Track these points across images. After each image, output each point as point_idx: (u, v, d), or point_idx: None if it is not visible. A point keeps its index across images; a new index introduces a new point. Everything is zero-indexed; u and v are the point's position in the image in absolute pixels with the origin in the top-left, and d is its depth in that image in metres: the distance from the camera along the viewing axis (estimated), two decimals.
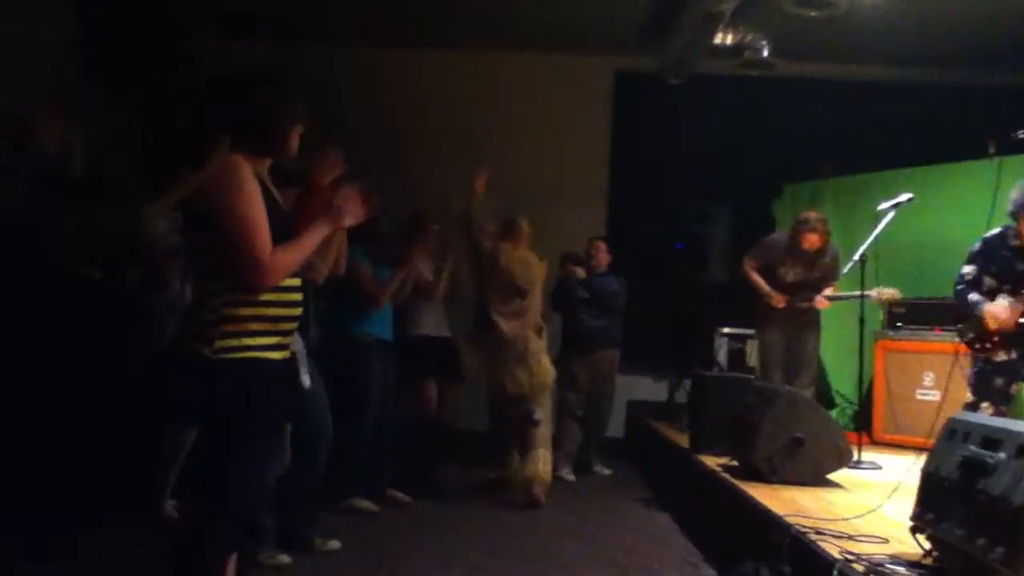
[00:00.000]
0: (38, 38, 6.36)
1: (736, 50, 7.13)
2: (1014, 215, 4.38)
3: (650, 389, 7.96)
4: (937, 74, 7.86)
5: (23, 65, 6.00)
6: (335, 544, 4.23)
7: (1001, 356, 4.44)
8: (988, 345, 4.46)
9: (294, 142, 2.61)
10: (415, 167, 7.61)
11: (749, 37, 6.97)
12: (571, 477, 6.46)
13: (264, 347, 2.46)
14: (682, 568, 4.19)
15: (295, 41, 7.76)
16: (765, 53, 7.07)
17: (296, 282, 2.57)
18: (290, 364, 2.65)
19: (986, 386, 4.47)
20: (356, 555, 4.17)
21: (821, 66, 8.10)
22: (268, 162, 2.59)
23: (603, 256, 6.70)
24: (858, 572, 2.80)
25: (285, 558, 3.90)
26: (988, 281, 4.48)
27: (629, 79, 8.43)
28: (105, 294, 4.54)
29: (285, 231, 2.49)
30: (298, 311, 2.58)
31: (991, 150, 6.13)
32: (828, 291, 5.99)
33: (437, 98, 8.18)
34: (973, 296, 4.48)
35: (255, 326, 2.44)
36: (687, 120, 7.99)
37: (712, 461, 5.03)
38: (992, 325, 4.39)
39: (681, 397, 7.30)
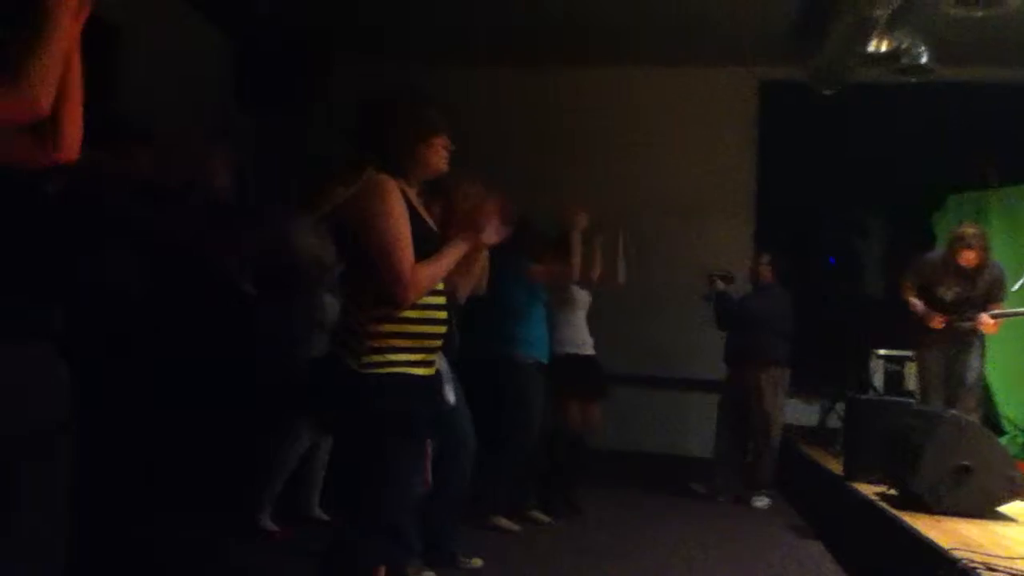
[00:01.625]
0: (191, 63, 6.77)
1: (892, 56, 6.77)
2: None
3: (800, 412, 7.65)
4: None
5: (177, 89, 6.40)
6: (478, 562, 4.24)
7: None
8: None
9: (438, 161, 2.64)
10: (561, 184, 7.61)
11: (906, 43, 6.62)
12: (700, 489, 6.44)
13: (409, 363, 2.50)
14: None
15: (442, 63, 7.91)
16: (924, 60, 6.69)
17: (440, 299, 2.59)
18: (434, 380, 2.68)
19: None
20: (497, 574, 4.17)
21: (985, 69, 7.58)
22: (416, 181, 2.64)
23: (760, 270, 6.53)
24: None
25: (431, 574, 3.94)
26: None
27: (775, 89, 8.20)
28: (257, 307, 4.74)
29: (431, 250, 2.53)
30: (443, 328, 2.60)
31: None
32: (994, 310, 5.61)
33: (582, 115, 8.19)
34: None
35: (399, 342, 2.48)
36: (838, 130, 7.68)
37: (868, 489, 4.79)
38: None
39: (833, 421, 6.99)
